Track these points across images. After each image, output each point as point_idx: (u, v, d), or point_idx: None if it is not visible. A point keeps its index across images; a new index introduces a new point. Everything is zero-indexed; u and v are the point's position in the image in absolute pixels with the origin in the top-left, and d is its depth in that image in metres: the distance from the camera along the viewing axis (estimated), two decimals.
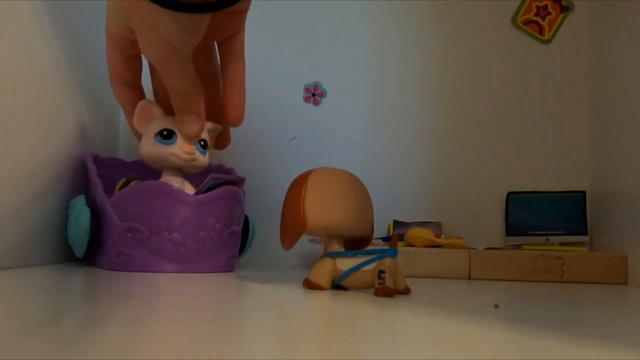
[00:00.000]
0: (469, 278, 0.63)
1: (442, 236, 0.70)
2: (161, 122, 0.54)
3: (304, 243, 0.61)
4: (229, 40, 0.52)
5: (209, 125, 0.56)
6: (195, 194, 0.56)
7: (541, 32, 0.76)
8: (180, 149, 0.54)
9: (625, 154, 0.65)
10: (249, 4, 0.47)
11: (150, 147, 0.54)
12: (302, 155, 0.77)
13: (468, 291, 0.52)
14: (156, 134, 0.53)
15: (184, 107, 0.51)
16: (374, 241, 0.55)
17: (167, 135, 0.53)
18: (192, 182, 0.58)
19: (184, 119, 0.52)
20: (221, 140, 0.59)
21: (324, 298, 0.40)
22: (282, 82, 0.78)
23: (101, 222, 0.57)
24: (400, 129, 0.77)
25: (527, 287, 0.55)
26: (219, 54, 0.54)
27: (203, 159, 0.56)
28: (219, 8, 0.41)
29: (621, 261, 0.62)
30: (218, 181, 0.57)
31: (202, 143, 0.55)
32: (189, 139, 0.54)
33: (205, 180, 0.56)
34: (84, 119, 0.66)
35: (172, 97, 0.50)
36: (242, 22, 0.50)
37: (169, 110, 0.54)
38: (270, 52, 0.78)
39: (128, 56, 0.52)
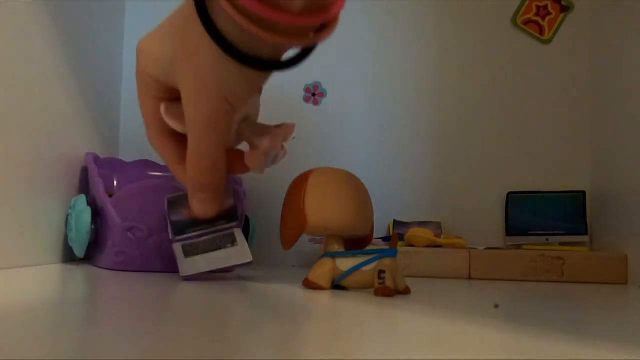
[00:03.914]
0: (469, 278, 0.63)
1: (442, 236, 0.70)
2: None
3: (304, 243, 0.61)
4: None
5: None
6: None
7: (541, 32, 0.76)
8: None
9: (625, 154, 0.65)
10: None
11: None
12: (302, 155, 0.77)
13: (468, 291, 0.52)
14: None
15: (204, 180, 0.42)
16: (374, 241, 0.55)
17: None
18: None
19: (199, 195, 0.43)
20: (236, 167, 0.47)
21: (324, 298, 0.40)
22: (282, 82, 0.78)
23: (102, 222, 0.57)
24: (400, 128, 0.77)
25: (527, 287, 0.55)
26: None
27: None
28: (295, 64, 0.36)
29: (621, 261, 0.62)
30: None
31: None
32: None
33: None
34: (84, 119, 0.66)
35: (194, 166, 0.41)
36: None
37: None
38: None
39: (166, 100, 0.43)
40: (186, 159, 0.41)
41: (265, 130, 0.44)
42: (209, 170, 0.41)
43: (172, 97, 0.42)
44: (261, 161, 0.44)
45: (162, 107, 0.42)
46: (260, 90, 0.45)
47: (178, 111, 0.41)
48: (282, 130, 0.44)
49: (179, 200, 0.50)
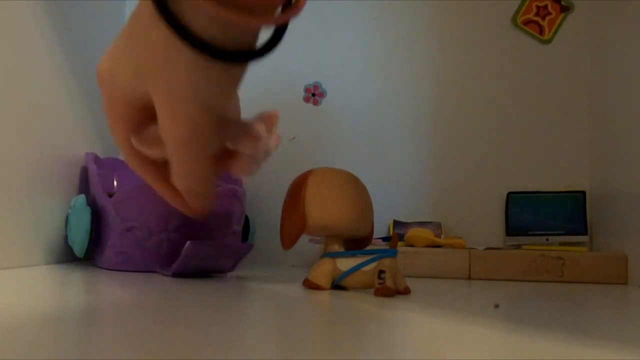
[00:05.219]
0: (469, 278, 0.63)
1: (442, 236, 0.70)
2: None
3: (304, 243, 0.61)
4: None
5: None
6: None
7: (541, 32, 0.76)
8: None
9: (625, 154, 0.65)
10: None
11: None
12: (302, 155, 0.77)
13: (468, 291, 0.52)
14: None
15: (196, 190, 0.39)
16: (374, 241, 0.55)
17: None
18: None
19: (193, 199, 0.40)
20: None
21: (324, 298, 0.40)
22: (282, 82, 0.78)
23: (101, 222, 0.57)
24: (400, 128, 0.77)
25: (527, 287, 0.55)
26: None
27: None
28: (268, 51, 0.33)
29: (621, 261, 0.62)
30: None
31: None
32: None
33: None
34: (84, 119, 0.66)
35: (182, 183, 0.38)
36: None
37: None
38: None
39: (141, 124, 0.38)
40: (173, 178, 0.38)
41: (246, 129, 0.39)
42: (198, 182, 0.38)
43: (147, 118, 0.36)
44: (250, 166, 0.40)
45: (133, 141, 0.38)
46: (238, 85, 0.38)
47: (152, 136, 0.37)
48: (265, 125, 0.39)
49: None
